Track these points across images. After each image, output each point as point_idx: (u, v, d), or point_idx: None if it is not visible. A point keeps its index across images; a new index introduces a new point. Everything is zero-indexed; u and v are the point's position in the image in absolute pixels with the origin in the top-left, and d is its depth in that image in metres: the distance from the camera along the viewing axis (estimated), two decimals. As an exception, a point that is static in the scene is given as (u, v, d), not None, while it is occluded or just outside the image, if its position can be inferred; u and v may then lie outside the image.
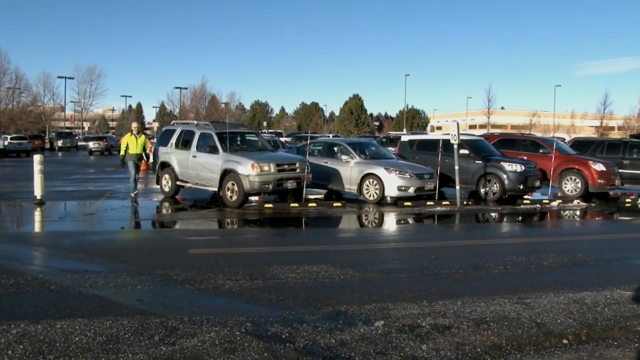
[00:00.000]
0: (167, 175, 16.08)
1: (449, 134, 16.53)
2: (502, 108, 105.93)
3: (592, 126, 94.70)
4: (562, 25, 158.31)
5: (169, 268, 7.59)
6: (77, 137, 66.49)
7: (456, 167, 15.59)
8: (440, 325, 5.44)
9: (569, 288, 6.93)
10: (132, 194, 15.83)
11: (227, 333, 5.05)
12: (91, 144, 51.72)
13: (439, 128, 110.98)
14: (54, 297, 6.21)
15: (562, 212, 15.29)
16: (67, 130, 72.90)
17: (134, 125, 16.88)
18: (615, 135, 78.98)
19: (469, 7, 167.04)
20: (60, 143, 56.29)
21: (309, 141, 17.49)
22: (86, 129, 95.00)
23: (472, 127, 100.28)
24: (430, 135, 21.54)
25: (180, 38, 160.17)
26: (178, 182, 15.78)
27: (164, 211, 14.25)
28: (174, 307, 5.93)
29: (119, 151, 16.99)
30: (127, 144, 16.00)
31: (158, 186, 16.53)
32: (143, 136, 16.58)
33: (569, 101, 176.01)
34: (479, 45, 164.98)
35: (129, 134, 16.30)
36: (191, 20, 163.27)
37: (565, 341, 5.14)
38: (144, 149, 16.34)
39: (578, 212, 15.33)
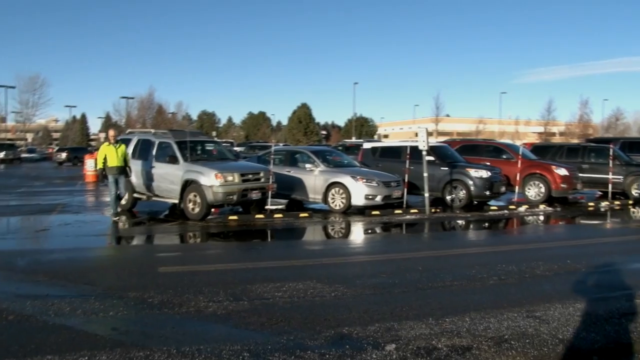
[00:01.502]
0: (123, 188, 15.17)
1: (406, 140, 16.28)
2: (447, 115, 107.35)
3: (535, 132, 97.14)
4: (506, 33, 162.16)
5: (141, 289, 6.88)
6: (19, 149, 63.89)
7: (425, 174, 15.28)
8: (459, 346, 4.96)
9: (574, 298, 6.59)
10: (113, 218, 13.45)
11: (225, 366, 4.43)
12: (61, 155, 53.54)
13: (386, 136, 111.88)
14: (14, 330, 5.43)
15: (531, 217, 15.15)
16: (8, 142, 69.78)
17: (111, 133, 14.21)
18: (557, 140, 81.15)
19: (414, 16, 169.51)
20: (2, 155, 53.83)
21: (272, 149, 16.88)
22: (29, 140, 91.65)
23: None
24: (395, 142, 21.25)
25: (126, 46, 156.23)
26: (135, 194, 14.92)
27: (122, 225, 13.34)
28: (157, 336, 5.26)
29: (96, 164, 14.49)
30: (105, 156, 13.58)
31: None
32: (123, 145, 14.12)
33: (512, 108, 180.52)
34: (425, 53, 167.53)
35: (106, 143, 13.87)
36: (138, 28, 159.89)
37: (596, 359, 4.73)
38: (125, 161, 13.90)
39: (547, 217, 15.21)
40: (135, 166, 14.66)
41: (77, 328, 5.45)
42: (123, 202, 15.04)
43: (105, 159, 13.52)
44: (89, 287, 7.05)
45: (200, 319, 5.81)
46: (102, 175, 13.98)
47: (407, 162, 16.45)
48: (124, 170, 13.76)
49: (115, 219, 13.34)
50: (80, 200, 18.37)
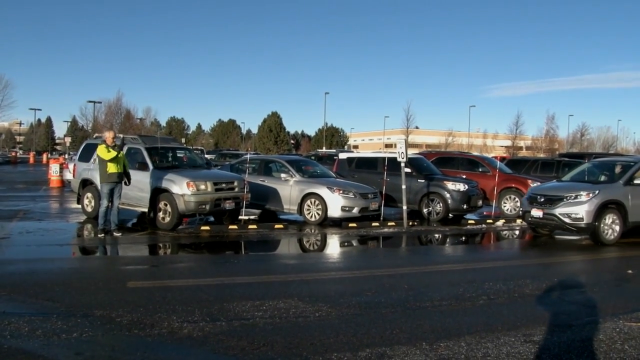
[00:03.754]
0: (89, 194, 14.50)
1: (380, 151, 15.94)
2: (417, 127, 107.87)
3: (503, 146, 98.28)
4: (476, 48, 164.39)
5: (108, 307, 6.33)
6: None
7: (403, 187, 14.98)
8: (459, 377, 4.55)
9: (568, 320, 6.28)
10: (99, 234, 11.92)
11: (204, 400, 3.95)
12: None
13: (356, 147, 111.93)
14: (-36, 353, 4.86)
15: (509, 232, 14.88)
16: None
17: (109, 135, 12.22)
18: (524, 154, 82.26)
19: (386, 28, 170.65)
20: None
21: (248, 158, 16.39)
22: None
23: (388, 145, 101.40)
24: (371, 153, 20.95)
25: (94, 49, 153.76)
26: (102, 202, 14.22)
27: (87, 234, 12.67)
28: (126, 362, 4.75)
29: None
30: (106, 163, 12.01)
31: (79, 206, 14.91)
32: (122, 152, 12.53)
33: (481, 121, 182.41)
34: (396, 65, 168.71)
35: (104, 146, 11.98)
36: (106, 30, 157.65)
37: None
38: (125, 168, 12.43)
39: (525, 232, 14.96)
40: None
41: (36, 352, 4.91)
42: (89, 209, 14.42)
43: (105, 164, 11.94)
44: (50, 304, 6.49)
45: (174, 342, 5.31)
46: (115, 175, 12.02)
47: (385, 173, 16.12)
48: (122, 177, 12.30)
49: (100, 235, 11.86)
50: (44, 207, 17.56)
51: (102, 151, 11.96)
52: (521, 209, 14.19)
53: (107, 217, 12.16)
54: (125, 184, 12.51)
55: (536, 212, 13.15)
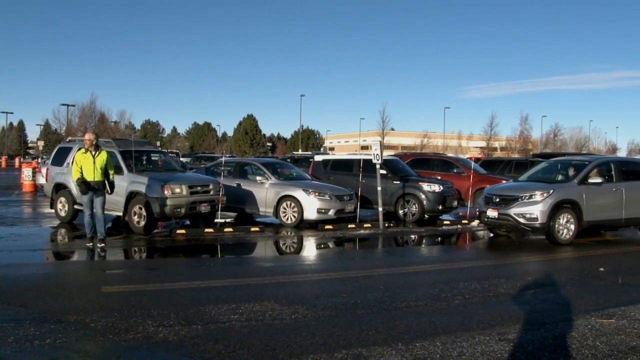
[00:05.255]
0: (62, 199, 14.34)
1: (356, 153, 16.01)
2: (392, 129, 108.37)
3: (478, 147, 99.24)
4: (450, 50, 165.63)
5: (82, 312, 6.27)
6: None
7: (379, 188, 15.07)
8: (434, 376, 4.59)
9: (542, 318, 6.37)
10: (87, 243, 11.19)
11: (180, 404, 3.93)
12: None
13: (332, 149, 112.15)
14: None
15: (484, 232, 15.00)
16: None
17: (88, 137, 11.21)
18: (499, 155, 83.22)
19: (360, 30, 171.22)
20: None
21: (224, 161, 16.34)
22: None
23: (364, 147, 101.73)
24: (347, 155, 21.02)
25: (67, 51, 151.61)
26: (76, 206, 14.03)
27: (61, 239, 12.55)
28: (101, 367, 4.71)
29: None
30: (81, 166, 10.95)
31: (52, 210, 14.73)
32: (104, 153, 11.26)
33: (455, 123, 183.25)
34: (372, 67, 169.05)
35: (82, 150, 11.13)
36: (79, 32, 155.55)
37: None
38: (107, 174, 11.29)
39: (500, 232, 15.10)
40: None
41: (8, 359, 4.83)
42: (62, 214, 14.26)
43: (81, 170, 10.92)
44: (23, 310, 6.40)
45: (149, 346, 5.27)
46: (84, 186, 10.93)
47: (360, 175, 16.19)
48: (103, 185, 11.16)
49: (89, 244, 11.12)
50: (16, 212, 17.32)
51: (77, 156, 11.15)
52: (477, 209, 14.23)
53: (94, 226, 11.29)
54: (107, 192, 11.44)
55: (492, 213, 13.09)
